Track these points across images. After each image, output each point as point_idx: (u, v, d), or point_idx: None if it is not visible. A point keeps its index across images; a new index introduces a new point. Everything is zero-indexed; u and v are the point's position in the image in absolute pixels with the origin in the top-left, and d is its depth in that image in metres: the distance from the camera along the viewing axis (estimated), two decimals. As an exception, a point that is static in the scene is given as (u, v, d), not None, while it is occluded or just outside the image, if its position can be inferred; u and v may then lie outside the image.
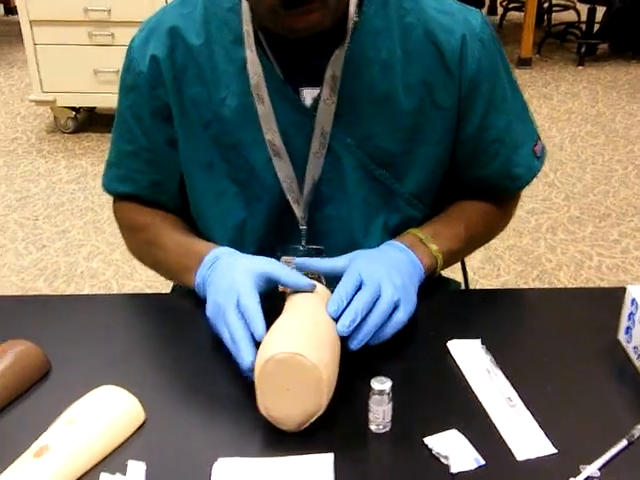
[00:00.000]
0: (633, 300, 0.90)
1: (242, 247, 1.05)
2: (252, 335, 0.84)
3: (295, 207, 1.05)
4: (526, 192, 3.29)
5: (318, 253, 1.07)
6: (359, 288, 0.89)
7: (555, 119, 3.85)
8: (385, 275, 0.91)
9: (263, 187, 1.04)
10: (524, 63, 4.56)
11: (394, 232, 1.08)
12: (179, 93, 1.03)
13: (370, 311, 0.87)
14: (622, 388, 0.88)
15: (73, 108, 3.59)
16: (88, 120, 3.74)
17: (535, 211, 2.95)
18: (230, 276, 0.91)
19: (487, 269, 2.56)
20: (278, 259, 1.06)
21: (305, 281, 0.91)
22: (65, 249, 2.69)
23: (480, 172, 1.09)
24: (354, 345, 0.86)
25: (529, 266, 2.60)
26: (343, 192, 1.04)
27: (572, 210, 2.97)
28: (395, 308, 0.90)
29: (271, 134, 1.01)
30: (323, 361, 0.79)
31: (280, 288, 0.95)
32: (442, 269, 1.06)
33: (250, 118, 1.01)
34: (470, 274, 2.59)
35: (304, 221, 1.06)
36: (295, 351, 0.77)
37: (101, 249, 2.68)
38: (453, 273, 1.31)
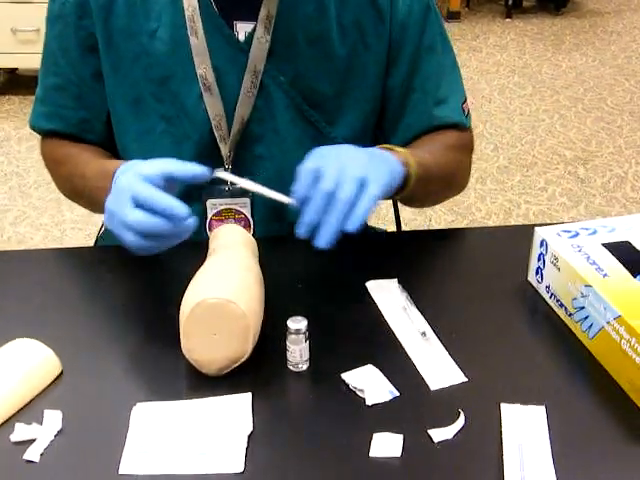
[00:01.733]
0: (542, 241, 0.92)
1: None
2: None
3: (222, 145, 1.04)
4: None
5: (243, 193, 1.06)
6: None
7: (484, 71, 3.89)
8: (346, 159, 0.84)
9: (192, 124, 1.03)
10: (453, 16, 4.58)
11: None
12: (106, 23, 1.01)
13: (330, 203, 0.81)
14: (531, 323, 0.92)
15: (-7, 70, 3.46)
16: (9, 82, 3.61)
17: (464, 162, 2.99)
18: (124, 181, 0.84)
19: (419, 220, 2.60)
20: (203, 201, 1.05)
21: (200, 170, 0.84)
22: (-11, 214, 2.62)
23: (402, 122, 1.09)
24: (322, 244, 0.81)
25: (460, 216, 2.64)
26: (274, 132, 1.04)
27: (501, 160, 3.02)
28: (363, 186, 0.82)
29: (203, 68, 1.00)
30: (252, 309, 0.80)
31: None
32: (419, 179, 0.96)
33: (182, 51, 1.00)
34: (402, 225, 2.64)
35: (229, 160, 1.05)
36: (227, 297, 0.77)
37: (28, 213, 2.62)
38: (384, 222, 1.33)
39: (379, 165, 0.87)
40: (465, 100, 1.12)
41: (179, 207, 0.80)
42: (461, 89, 1.12)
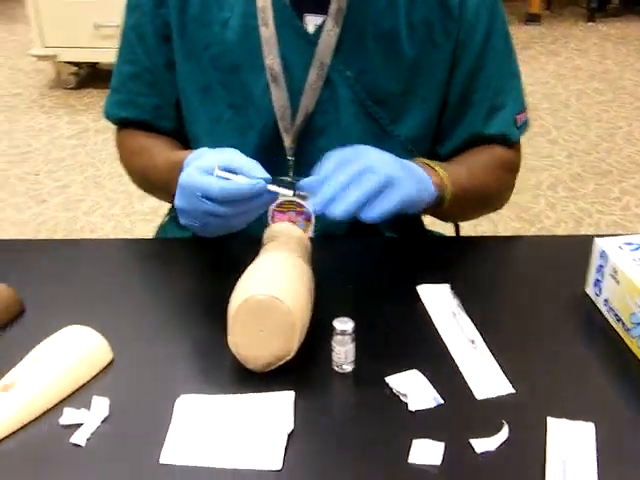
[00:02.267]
0: (602, 252, 0.89)
1: None
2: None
3: (285, 136, 1.05)
4: (528, 149, 3.26)
5: None
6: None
7: (561, 76, 3.80)
8: (380, 160, 0.86)
9: (258, 113, 1.05)
10: (533, 19, 4.48)
11: None
12: (182, 12, 1.04)
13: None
14: (586, 336, 0.89)
15: (75, 64, 3.58)
16: (90, 76, 3.73)
17: (536, 168, 2.92)
18: (192, 169, 0.88)
19: (485, 226, 2.55)
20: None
21: (258, 173, 0.86)
22: (65, 204, 2.71)
23: (456, 128, 1.09)
24: (337, 212, 0.82)
25: (527, 223, 2.59)
26: (337, 125, 1.05)
27: (574, 167, 2.94)
28: (387, 187, 0.83)
29: (271, 59, 1.01)
30: (298, 307, 0.80)
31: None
32: (452, 201, 0.98)
33: (252, 41, 1.01)
34: (468, 231, 2.60)
35: (292, 152, 1.06)
36: (273, 294, 0.78)
37: (101, 204, 2.70)
38: (443, 229, 1.31)
39: (408, 177, 0.87)
40: (522, 111, 1.10)
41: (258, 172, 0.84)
42: (519, 98, 1.10)
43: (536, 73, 3.81)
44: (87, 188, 2.81)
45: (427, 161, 1.00)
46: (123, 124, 1.17)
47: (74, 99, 3.51)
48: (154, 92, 1.11)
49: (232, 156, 0.88)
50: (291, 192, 0.88)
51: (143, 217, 2.57)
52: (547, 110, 3.39)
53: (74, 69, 3.56)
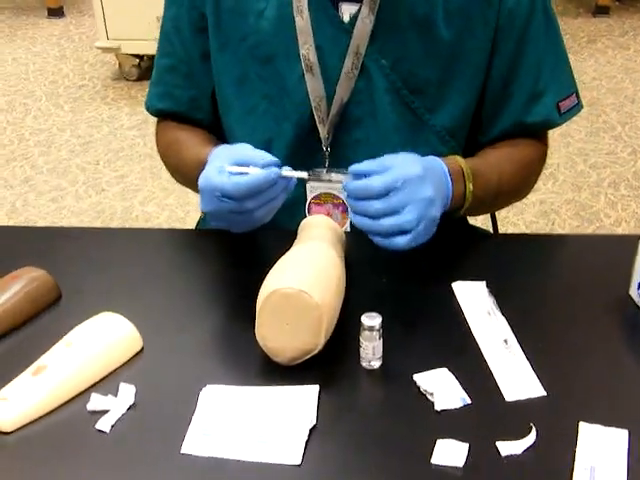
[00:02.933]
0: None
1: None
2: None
3: (320, 127, 1.04)
4: (590, 145, 3.15)
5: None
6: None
7: (630, 70, 3.66)
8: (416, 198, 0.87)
9: (293, 104, 1.04)
10: (602, 11, 4.33)
11: None
12: (217, 4, 1.04)
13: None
14: (626, 341, 0.85)
15: (137, 56, 3.64)
16: (151, 68, 3.78)
17: (597, 165, 2.83)
18: (207, 171, 0.91)
19: (541, 223, 2.49)
20: (304, 185, 1.06)
21: (269, 161, 0.88)
22: (122, 193, 2.76)
23: (496, 117, 1.06)
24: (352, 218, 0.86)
25: (586, 221, 2.51)
26: (373, 116, 1.03)
27: (638, 165, 2.84)
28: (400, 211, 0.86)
29: (306, 48, 1.01)
30: (326, 301, 0.79)
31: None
32: (475, 202, 1.00)
33: (287, 31, 1.01)
34: (522, 228, 2.54)
35: (327, 142, 1.05)
36: (301, 288, 0.77)
37: (156, 194, 2.74)
38: (482, 224, 1.28)
39: (438, 209, 0.90)
40: (569, 95, 1.07)
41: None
42: (564, 83, 1.07)
43: (603, 67, 3.69)
44: (144, 178, 2.85)
45: (465, 169, 0.97)
46: (161, 116, 1.18)
47: (136, 90, 3.57)
48: (190, 84, 1.12)
49: (241, 150, 0.88)
50: (305, 173, 0.89)
51: (196, 207, 2.59)
52: (612, 105, 3.27)
53: (136, 61, 3.62)
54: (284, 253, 0.87)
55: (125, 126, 3.25)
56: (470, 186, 0.97)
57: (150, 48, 3.55)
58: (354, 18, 0.99)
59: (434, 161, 0.94)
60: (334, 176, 0.94)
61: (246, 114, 1.08)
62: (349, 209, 0.87)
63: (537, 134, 1.09)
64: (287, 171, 0.87)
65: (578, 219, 2.52)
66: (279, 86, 1.04)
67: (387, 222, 0.85)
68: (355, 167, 0.87)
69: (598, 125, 3.09)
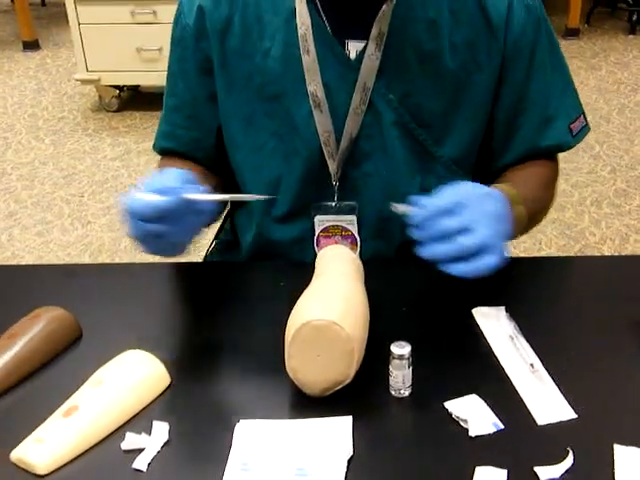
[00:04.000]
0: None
1: (276, 203, 1.08)
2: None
3: (330, 162, 1.05)
4: (570, 165, 3.20)
5: (350, 210, 1.07)
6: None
7: (603, 90, 3.75)
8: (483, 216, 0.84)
9: (302, 140, 1.05)
10: (571, 33, 4.44)
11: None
12: (222, 45, 1.05)
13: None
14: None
15: (117, 87, 3.64)
16: (132, 98, 3.79)
17: (579, 184, 2.89)
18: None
19: (528, 243, 2.52)
20: (312, 217, 1.07)
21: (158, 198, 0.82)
22: (109, 225, 2.74)
23: (508, 144, 1.08)
24: (423, 254, 0.82)
25: (572, 240, 2.55)
26: (382, 149, 1.05)
27: (618, 183, 2.90)
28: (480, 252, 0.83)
29: (314, 85, 1.02)
30: (357, 333, 0.80)
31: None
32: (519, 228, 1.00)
33: (294, 69, 1.02)
34: (510, 248, 2.57)
35: (337, 176, 1.06)
36: (333, 320, 0.77)
37: (144, 225, 2.73)
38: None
39: (501, 239, 0.86)
40: (578, 117, 1.10)
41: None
42: (572, 106, 1.10)
43: (577, 88, 3.79)
44: (131, 209, 2.85)
45: (516, 197, 0.97)
46: (166, 154, 1.18)
47: (117, 121, 3.57)
48: (193, 125, 1.12)
49: (159, 177, 0.86)
50: (212, 196, 0.86)
51: (186, 237, 2.60)
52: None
53: (116, 92, 3.63)
54: (301, 284, 0.87)
55: (108, 157, 3.24)
56: (522, 209, 0.98)
57: (130, 79, 3.57)
58: (361, 55, 1.01)
59: (485, 186, 0.92)
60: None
61: (255, 152, 1.09)
62: (419, 247, 0.82)
63: (550, 155, 1.12)
64: (190, 195, 0.84)
65: (564, 238, 2.56)
66: (288, 123, 1.05)
67: (467, 241, 0.81)
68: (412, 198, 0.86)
69: (577, 145, 3.15)
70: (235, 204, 1.19)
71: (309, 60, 1.01)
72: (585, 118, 1.12)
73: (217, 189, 1.11)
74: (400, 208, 0.87)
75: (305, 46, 1.01)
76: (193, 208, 0.85)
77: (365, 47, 1.00)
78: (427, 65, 1.01)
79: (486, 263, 0.82)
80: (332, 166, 1.05)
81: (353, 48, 1.02)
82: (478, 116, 1.06)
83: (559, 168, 1.16)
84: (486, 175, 1.13)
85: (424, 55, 1.01)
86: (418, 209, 0.83)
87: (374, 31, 0.99)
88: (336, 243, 1.09)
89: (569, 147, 1.10)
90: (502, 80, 1.04)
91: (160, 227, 0.84)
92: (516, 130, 1.07)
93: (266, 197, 0.97)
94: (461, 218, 0.82)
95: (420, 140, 1.05)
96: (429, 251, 0.82)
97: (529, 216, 1.02)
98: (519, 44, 1.02)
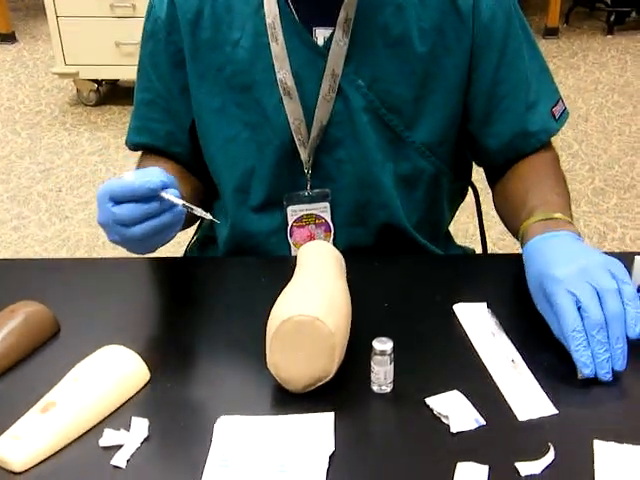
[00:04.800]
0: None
1: (250, 194, 1.07)
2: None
3: (301, 150, 1.05)
4: (549, 163, 3.17)
5: (323, 197, 1.07)
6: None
7: (581, 90, 3.78)
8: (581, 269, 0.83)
9: (273, 130, 1.05)
10: (551, 33, 4.47)
11: (405, 180, 1.08)
12: (193, 37, 1.05)
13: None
14: (629, 355, 0.87)
15: (96, 81, 3.60)
16: (110, 93, 3.76)
17: (558, 182, 2.91)
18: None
19: (507, 241, 2.53)
20: (284, 207, 1.07)
21: (138, 184, 0.81)
22: (87, 220, 2.72)
23: (493, 129, 1.08)
24: (622, 367, 0.81)
25: (551, 237, 2.57)
26: (353, 136, 1.05)
27: (596, 182, 2.92)
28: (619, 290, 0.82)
29: (283, 73, 1.01)
30: (339, 329, 0.79)
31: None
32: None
33: (263, 58, 1.02)
34: (490, 245, 2.58)
35: (309, 165, 1.06)
36: (315, 315, 0.77)
37: (122, 220, 2.71)
38: (470, 241, 1.30)
39: (601, 255, 0.86)
40: (558, 101, 1.11)
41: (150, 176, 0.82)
42: (551, 91, 1.11)
43: (555, 87, 3.82)
44: (109, 204, 2.82)
45: (555, 216, 0.96)
46: (139, 149, 1.18)
47: (95, 116, 3.54)
48: (167, 118, 1.12)
49: (142, 170, 0.85)
50: (180, 201, 0.84)
51: (165, 233, 2.58)
52: (567, 124, 3.33)
53: (94, 86, 3.59)
54: (282, 280, 0.87)
55: (86, 152, 3.21)
56: (571, 224, 0.96)
57: (109, 73, 3.54)
58: (329, 41, 1.01)
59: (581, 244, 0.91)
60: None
61: (227, 143, 1.08)
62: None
63: (539, 145, 1.10)
64: (167, 195, 0.83)
65: (543, 236, 2.58)
66: (259, 113, 1.05)
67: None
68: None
69: (555, 143, 3.17)
70: (211, 197, 1.17)
71: (277, 48, 1.01)
72: (563, 102, 1.12)
73: (194, 193, 1.11)
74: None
75: (273, 34, 1.01)
76: (162, 206, 0.83)
77: (333, 33, 1.00)
78: (395, 50, 1.01)
79: (630, 292, 0.82)
80: (304, 154, 1.05)
81: (321, 35, 1.02)
82: (450, 102, 1.06)
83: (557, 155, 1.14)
84: (477, 159, 1.14)
85: (392, 40, 1.01)
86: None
87: (341, 17, 0.99)
88: (310, 233, 1.09)
89: (555, 131, 1.11)
90: (474, 66, 1.04)
91: (126, 213, 0.82)
92: (500, 115, 1.07)
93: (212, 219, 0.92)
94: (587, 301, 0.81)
95: (391, 126, 1.05)
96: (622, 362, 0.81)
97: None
98: (489, 29, 1.02)
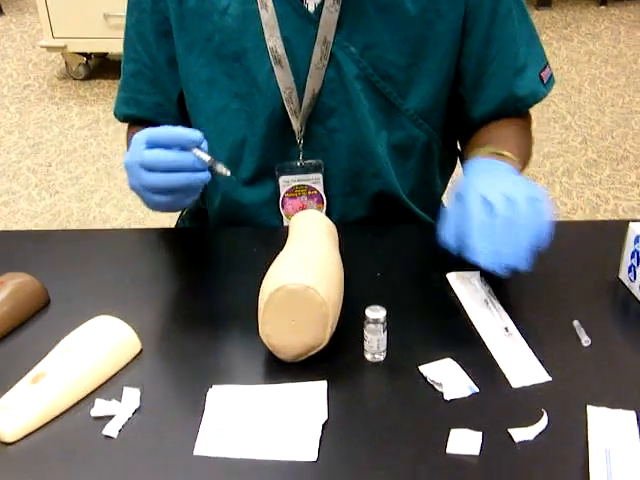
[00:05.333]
0: (637, 237, 0.88)
1: (240, 165, 1.06)
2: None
3: (293, 119, 1.03)
4: (542, 135, 3.20)
5: (316, 168, 1.06)
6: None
7: (574, 61, 3.75)
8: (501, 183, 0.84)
9: (264, 99, 1.03)
10: (544, 3, 4.43)
11: (398, 149, 1.07)
12: (180, 5, 1.02)
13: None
14: (622, 323, 0.87)
15: (84, 54, 3.56)
16: (100, 66, 3.71)
17: (551, 154, 2.89)
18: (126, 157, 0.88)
19: (500, 212, 2.53)
20: (276, 178, 1.06)
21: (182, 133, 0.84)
22: (78, 195, 2.70)
23: (483, 92, 1.07)
24: (524, 266, 0.80)
25: (543, 209, 2.57)
26: (346, 104, 1.03)
27: (589, 153, 2.91)
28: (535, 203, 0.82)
29: (273, 41, 1.00)
30: (332, 297, 0.79)
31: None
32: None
33: (253, 26, 1.00)
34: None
35: (301, 134, 1.05)
36: (308, 284, 0.76)
37: (113, 195, 2.69)
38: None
39: (530, 188, 0.85)
40: (546, 66, 1.10)
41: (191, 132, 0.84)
42: (540, 56, 1.10)
43: (548, 59, 3.78)
44: (99, 179, 2.80)
45: (497, 151, 0.97)
46: (128, 121, 1.16)
47: (84, 90, 3.50)
48: (155, 89, 1.10)
49: (162, 128, 0.86)
50: (208, 157, 0.85)
51: (156, 207, 2.56)
52: (560, 96, 3.35)
53: (83, 59, 3.54)
54: (273, 250, 0.86)
55: (76, 126, 3.18)
56: (512, 156, 0.97)
57: (98, 46, 3.49)
58: (319, 8, 0.99)
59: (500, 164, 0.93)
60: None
61: (217, 114, 1.06)
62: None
63: (524, 111, 1.11)
64: (199, 151, 0.84)
65: (535, 208, 2.57)
66: (249, 83, 1.03)
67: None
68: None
69: (548, 115, 3.16)
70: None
71: (267, 15, 0.99)
72: (550, 68, 1.11)
73: None
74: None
75: (263, 1, 0.99)
76: (195, 166, 0.84)
77: (323, 0, 0.98)
78: (387, 15, 1.00)
79: (546, 210, 0.81)
80: (296, 124, 1.04)
81: (311, 1, 1.00)
82: (442, 68, 1.05)
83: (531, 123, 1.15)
84: (457, 127, 1.13)
85: (383, 5, 0.99)
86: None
87: None
88: (302, 204, 1.08)
89: (543, 95, 1.10)
90: (466, 30, 1.03)
91: (156, 158, 0.84)
92: (489, 79, 1.06)
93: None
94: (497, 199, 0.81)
95: (384, 93, 1.03)
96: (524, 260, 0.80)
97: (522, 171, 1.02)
98: None
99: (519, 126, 1.11)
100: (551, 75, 1.12)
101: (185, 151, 0.84)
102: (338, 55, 1.00)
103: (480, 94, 1.07)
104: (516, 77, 1.06)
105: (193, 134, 0.83)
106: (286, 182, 1.07)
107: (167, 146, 0.84)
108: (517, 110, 1.09)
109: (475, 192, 0.83)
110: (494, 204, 0.80)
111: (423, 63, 1.03)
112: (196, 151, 0.83)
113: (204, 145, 0.85)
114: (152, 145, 0.84)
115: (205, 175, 0.85)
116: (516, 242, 0.79)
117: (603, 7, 4.48)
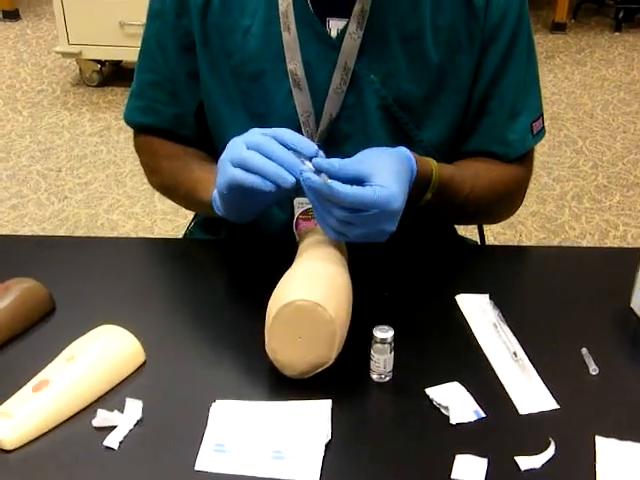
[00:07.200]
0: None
1: None
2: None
3: None
4: (552, 159, 3.20)
5: None
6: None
7: (587, 86, 3.75)
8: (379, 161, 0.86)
9: (281, 121, 1.02)
10: (558, 28, 4.44)
11: None
12: (203, 21, 1.02)
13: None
14: (633, 352, 0.86)
15: (99, 61, 3.58)
16: (113, 74, 3.73)
17: (561, 178, 2.89)
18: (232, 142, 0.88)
19: (508, 235, 2.52)
20: (291, 200, 1.05)
21: (308, 143, 0.83)
22: (86, 201, 2.70)
23: (479, 128, 1.06)
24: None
25: (552, 233, 2.55)
26: (363, 131, 1.03)
27: (600, 178, 2.90)
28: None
29: (294, 64, 0.99)
30: (339, 315, 0.78)
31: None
32: (435, 190, 0.97)
33: (274, 48, 1.00)
34: (490, 239, 2.57)
35: None
36: (316, 301, 0.76)
37: (122, 202, 2.69)
38: (469, 233, 1.29)
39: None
40: (539, 117, 1.08)
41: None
42: (536, 104, 1.08)
43: (561, 83, 3.77)
44: (108, 186, 2.80)
45: (432, 168, 0.96)
46: (142, 130, 1.15)
47: (97, 96, 3.51)
48: (174, 101, 1.09)
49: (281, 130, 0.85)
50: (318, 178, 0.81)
51: (163, 216, 2.56)
52: (572, 120, 3.35)
53: (97, 66, 3.56)
54: (283, 265, 0.85)
55: (87, 132, 3.19)
56: (429, 195, 0.96)
57: (112, 54, 3.51)
58: (342, 33, 0.98)
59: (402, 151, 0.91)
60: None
61: (237, 132, 1.05)
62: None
63: (516, 158, 1.07)
64: (309, 163, 0.82)
65: (544, 231, 2.56)
66: (266, 102, 1.03)
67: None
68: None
69: (560, 139, 3.16)
70: None
71: (289, 38, 0.99)
72: (543, 121, 1.09)
73: None
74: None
75: (286, 23, 0.98)
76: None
77: (347, 25, 0.98)
78: (409, 46, 0.99)
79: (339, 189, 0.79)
80: None
81: (334, 26, 0.99)
82: (458, 101, 1.04)
83: (527, 175, 1.11)
84: (455, 157, 1.11)
85: (406, 35, 0.99)
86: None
87: (356, 9, 0.96)
88: (315, 226, 1.07)
89: (530, 146, 1.07)
90: (478, 64, 1.02)
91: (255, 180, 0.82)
92: (485, 115, 1.05)
93: None
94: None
95: (401, 123, 1.03)
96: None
97: (460, 205, 1.00)
98: (497, 29, 1.00)
99: (500, 169, 1.06)
100: (542, 127, 1.09)
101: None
102: (359, 82, 1.00)
103: (474, 135, 1.06)
104: (510, 121, 1.05)
105: (312, 145, 0.83)
106: (300, 204, 1.06)
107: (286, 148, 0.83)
108: (507, 155, 1.06)
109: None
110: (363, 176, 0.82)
111: (441, 96, 1.02)
112: (308, 162, 0.82)
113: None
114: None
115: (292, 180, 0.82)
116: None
117: (617, 33, 4.49)
